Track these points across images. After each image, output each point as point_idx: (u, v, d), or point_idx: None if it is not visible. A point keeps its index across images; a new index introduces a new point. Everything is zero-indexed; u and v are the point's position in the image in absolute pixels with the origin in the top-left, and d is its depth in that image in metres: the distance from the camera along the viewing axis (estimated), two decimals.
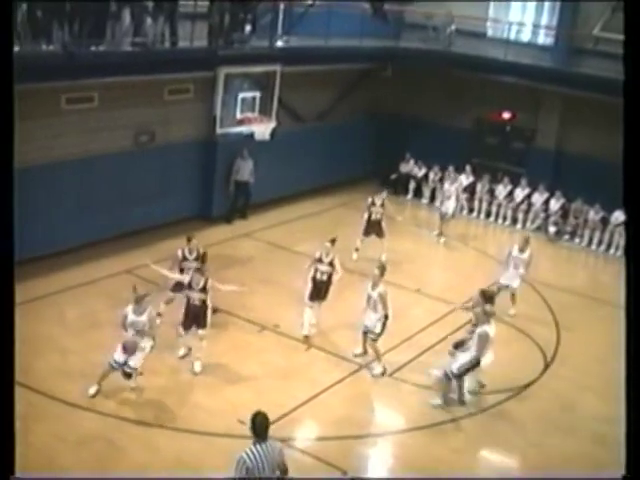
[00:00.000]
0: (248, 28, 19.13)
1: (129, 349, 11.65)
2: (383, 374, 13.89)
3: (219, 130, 19.45)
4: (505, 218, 24.97)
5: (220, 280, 13.81)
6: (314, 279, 14.90)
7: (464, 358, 12.95)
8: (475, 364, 12.95)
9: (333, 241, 15.02)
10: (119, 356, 11.71)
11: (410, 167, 26.54)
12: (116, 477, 10.29)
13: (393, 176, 26.56)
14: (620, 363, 14.20)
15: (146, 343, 11.80)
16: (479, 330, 12.87)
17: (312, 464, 11.34)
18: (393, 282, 15.37)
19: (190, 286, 13.08)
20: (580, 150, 24.61)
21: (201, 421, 11.52)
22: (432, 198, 25.95)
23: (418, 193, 26.39)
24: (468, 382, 13.44)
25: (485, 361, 13.19)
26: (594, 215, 23.62)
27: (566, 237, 24.01)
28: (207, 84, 19.20)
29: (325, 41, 21.06)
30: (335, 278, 14.97)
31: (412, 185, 26.41)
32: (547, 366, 15.26)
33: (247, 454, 7.92)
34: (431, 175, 26.13)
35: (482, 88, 25.24)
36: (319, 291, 14.94)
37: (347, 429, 12.23)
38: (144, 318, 11.71)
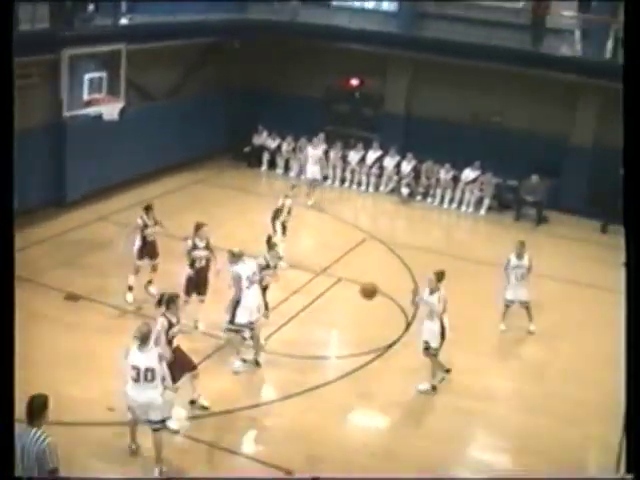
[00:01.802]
0: (91, 7, 18.72)
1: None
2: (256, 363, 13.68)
3: (66, 113, 18.97)
4: (359, 183, 25.37)
5: (80, 265, 13.48)
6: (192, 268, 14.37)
7: (230, 309, 13.23)
8: (236, 304, 13.14)
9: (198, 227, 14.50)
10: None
11: (263, 139, 26.60)
12: (116, 477, 10.26)
13: (247, 149, 26.63)
14: (481, 315, 14.72)
15: None
16: (231, 270, 13.25)
17: (187, 444, 11.42)
18: (252, 254, 15.42)
19: (170, 323, 11.58)
20: (428, 112, 25.29)
21: (70, 411, 11.34)
22: (286, 168, 26.15)
23: (272, 164, 26.45)
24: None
25: (247, 301, 13.20)
26: (445, 174, 24.32)
27: (419, 197, 24.66)
28: (52, 67, 18.66)
29: (170, 16, 20.81)
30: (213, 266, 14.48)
31: (266, 156, 26.45)
32: (409, 325, 15.68)
33: (19, 431, 7.63)
34: (284, 146, 26.26)
35: (330, 56, 25.49)
36: (198, 281, 14.45)
37: (217, 405, 12.28)
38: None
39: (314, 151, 24.02)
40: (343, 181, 25.50)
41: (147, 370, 10.23)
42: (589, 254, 20.37)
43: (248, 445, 11.93)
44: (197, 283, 14.45)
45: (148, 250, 15.53)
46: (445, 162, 24.24)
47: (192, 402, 12.12)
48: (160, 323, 11.34)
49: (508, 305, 15.78)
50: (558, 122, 23.82)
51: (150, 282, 15.74)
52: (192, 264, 14.44)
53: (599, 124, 23.20)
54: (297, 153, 25.95)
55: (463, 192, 24.08)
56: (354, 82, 26.60)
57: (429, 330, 13.16)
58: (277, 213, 18.07)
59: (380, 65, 25.62)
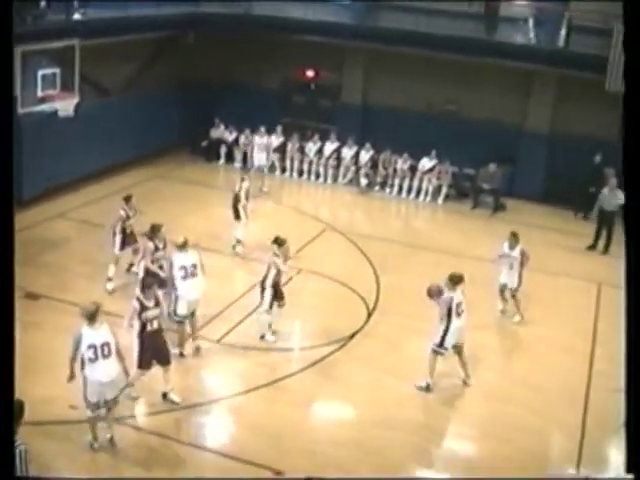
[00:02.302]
0: (43, 3, 18.49)
1: None
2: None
3: (21, 110, 18.77)
4: (318, 175, 25.37)
5: (40, 263, 13.31)
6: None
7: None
8: (176, 293, 13.18)
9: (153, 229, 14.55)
10: None
11: (220, 132, 26.49)
12: (117, 477, 10.21)
13: (204, 143, 26.52)
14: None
15: None
16: (169, 259, 13.46)
17: (150, 440, 11.37)
18: (212, 249, 15.40)
19: (143, 306, 11.62)
20: (385, 102, 25.41)
21: (33, 410, 11.22)
22: (244, 161, 26.01)
23: (230, 157, 26.34)
24: None
25: (183, 292, 13.19)
26: (402, 164, 24.37)
27: (377, 188, 24.73)
28: None
29: (123, 11, 20.60)
30: None
31: (223, 150, 26.37)
32: (370, 314, 15.78)
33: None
34: (242, 139, 26.10)
35: (286, 48, 25.42)
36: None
37: (181, 399, 12.24)
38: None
39: (260, 140, 24.63)
40: (301, 173, 25.48)
41: (103, 345, 10.31)
42: (548, 241, 20.51)
43: (214, 440, 11.84)
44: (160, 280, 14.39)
45: (128, 240, 15.96)
46: (403, 152, 24.28)
47: (164, 395, 12.11)
48: (132, 305, 11.53)
49: (502, 289, 16.05)
50: (513, 110, 24.05)
51: (132, 265, 16.07)
52: (153, 263, 14.49)
53: (554, 111, 23.46)
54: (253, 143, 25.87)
55: (421, 181, 24.16)
56: (310, 73, 26.62)
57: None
58: (237, 197, 18.09)
59: (336, 56, 25.63)
